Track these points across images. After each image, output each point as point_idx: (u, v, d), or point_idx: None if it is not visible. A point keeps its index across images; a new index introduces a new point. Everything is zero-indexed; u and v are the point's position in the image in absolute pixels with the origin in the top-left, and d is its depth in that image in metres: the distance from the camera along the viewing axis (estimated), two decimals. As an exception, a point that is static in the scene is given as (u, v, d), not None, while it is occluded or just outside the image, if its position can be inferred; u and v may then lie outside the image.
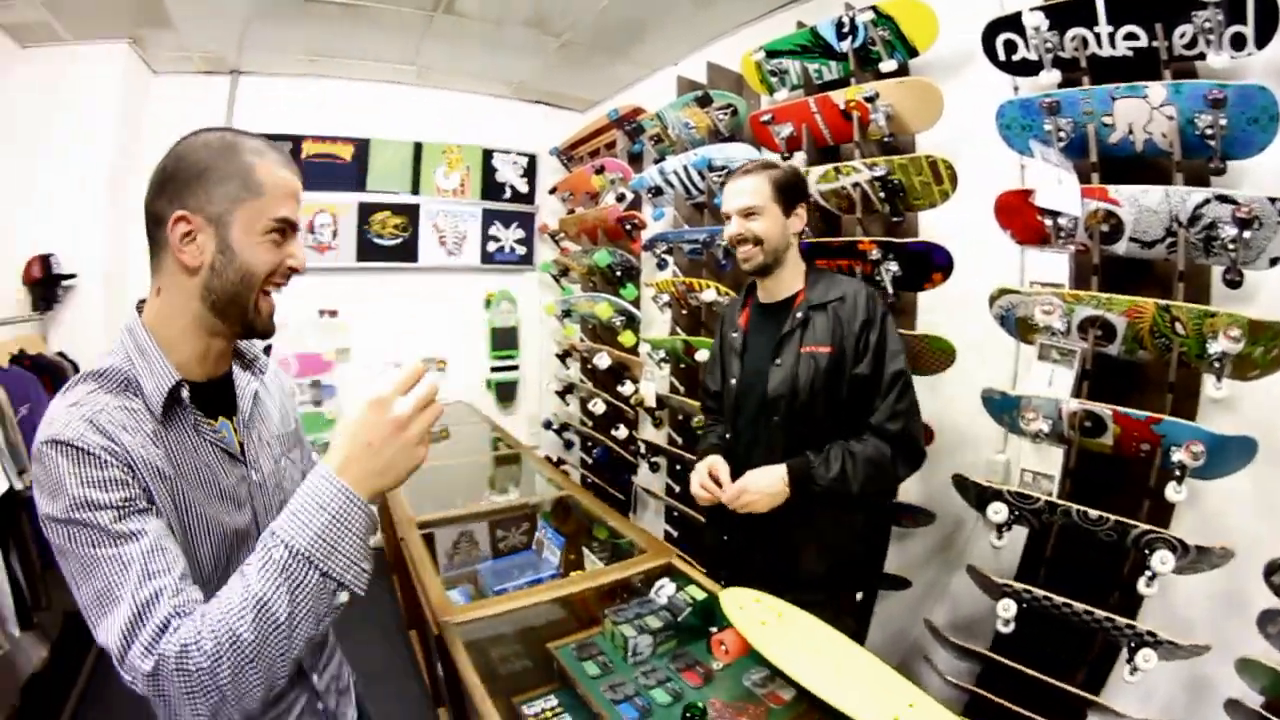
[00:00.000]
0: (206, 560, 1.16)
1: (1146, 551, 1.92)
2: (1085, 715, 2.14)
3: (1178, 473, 1.89)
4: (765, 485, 2.06)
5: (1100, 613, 2.00)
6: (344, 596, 1.04)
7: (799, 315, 2.15)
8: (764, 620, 1.82)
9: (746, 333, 2.31)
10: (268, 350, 1.50)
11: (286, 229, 1.19)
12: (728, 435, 2.29)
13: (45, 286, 3.77)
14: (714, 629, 1.93)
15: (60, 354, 3.72)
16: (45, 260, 3.73)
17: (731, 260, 3.48)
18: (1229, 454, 1.86)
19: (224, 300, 1.16)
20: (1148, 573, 1.91)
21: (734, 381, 2.29)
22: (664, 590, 2.07)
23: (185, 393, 1.16)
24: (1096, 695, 2.10)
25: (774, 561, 2.15)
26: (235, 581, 1.00)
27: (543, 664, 1.90)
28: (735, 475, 2.14)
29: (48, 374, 3.38)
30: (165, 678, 0.93)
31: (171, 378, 1.14)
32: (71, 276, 3.84)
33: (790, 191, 2.18)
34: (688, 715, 1.48)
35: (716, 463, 2.17)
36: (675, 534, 4.13)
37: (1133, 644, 1.96)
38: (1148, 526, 1.93)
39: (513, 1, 3.72)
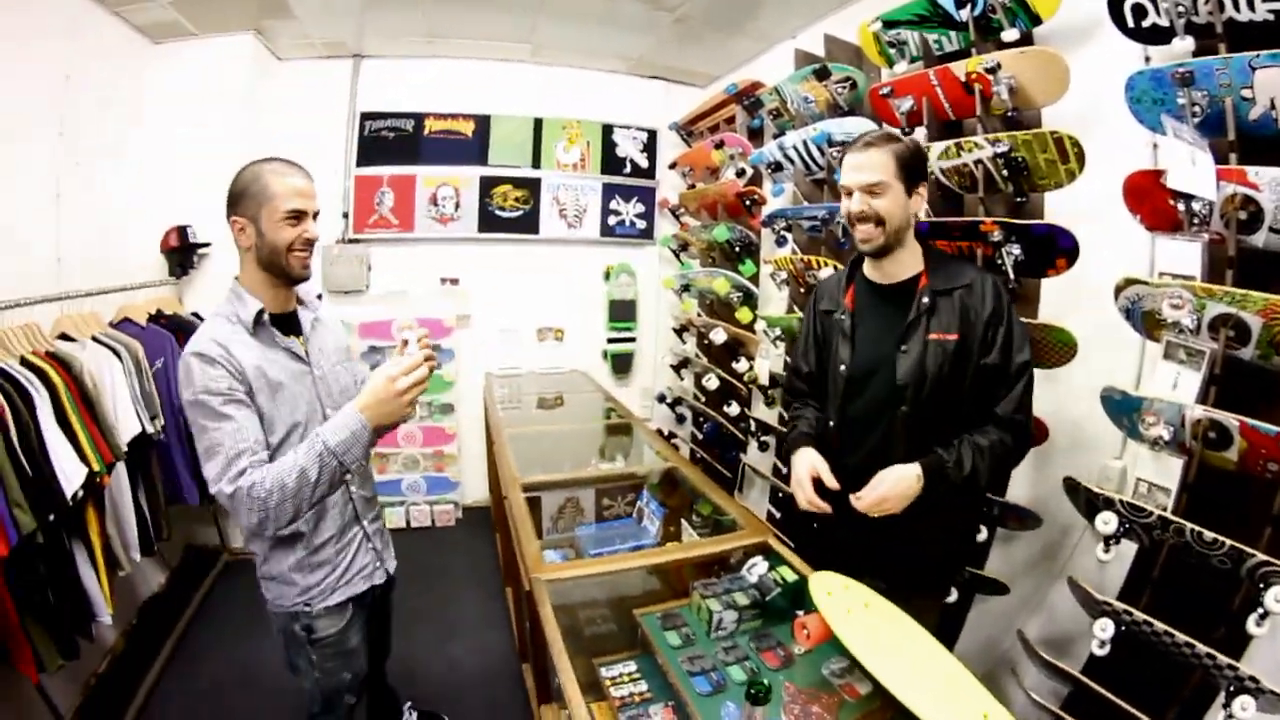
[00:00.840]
0: (286, 413, 1.89)
1: (1261, 586, 1.74)
2: None
3: None
4: (903, 489, 1.95)
5: (1202, 648, 1.82)
6: (349, 477, 1.84)
7: (925, 300, 2.06)
8: (850, 608, 1.80)
9: (854, 314, 2.20)
10: (319, 297, 2.01)
11: (298, 216, 1.88)
12: (831, 423, 2.20)
13: (182, 254, 4.17)
14: (799, 612, 1.94)
15: (194, 314, 4.15)
16: (182, 231, 4.12)
17: (850, 239, 3.39)
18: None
19: (268, 263, 1.90)
20: (1260, 610, 1.73)
21: (844, 367, 2.18)
22: (755, 569, 2.09)
23: (266, 316, 1.92)
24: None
25: (869, 552, 2.09)
26: (290, 454, 1.71)
27: (627, 629, 1.98)
28: (839, 466, 2.07)
29: (182, 331, 3.70)
30: (238, 499, 1.68)
31: (255, 308, 1.89)
32: (206, 245, 4.22)
33: (914, 169, 2.06)
34: (753, 691, 1.47)
35: (818, 464, 2.09)
36: (778, 515, 4.10)
37: (1231, 687, 1.77)
38: (1266, 557, 1.74)
39: None
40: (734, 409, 4.47)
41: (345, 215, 4.92)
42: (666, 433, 5.54)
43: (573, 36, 4.66)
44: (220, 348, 1.76)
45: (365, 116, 4.93)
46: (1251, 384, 1.91)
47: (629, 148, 5.48)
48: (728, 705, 1.65)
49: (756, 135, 4.40)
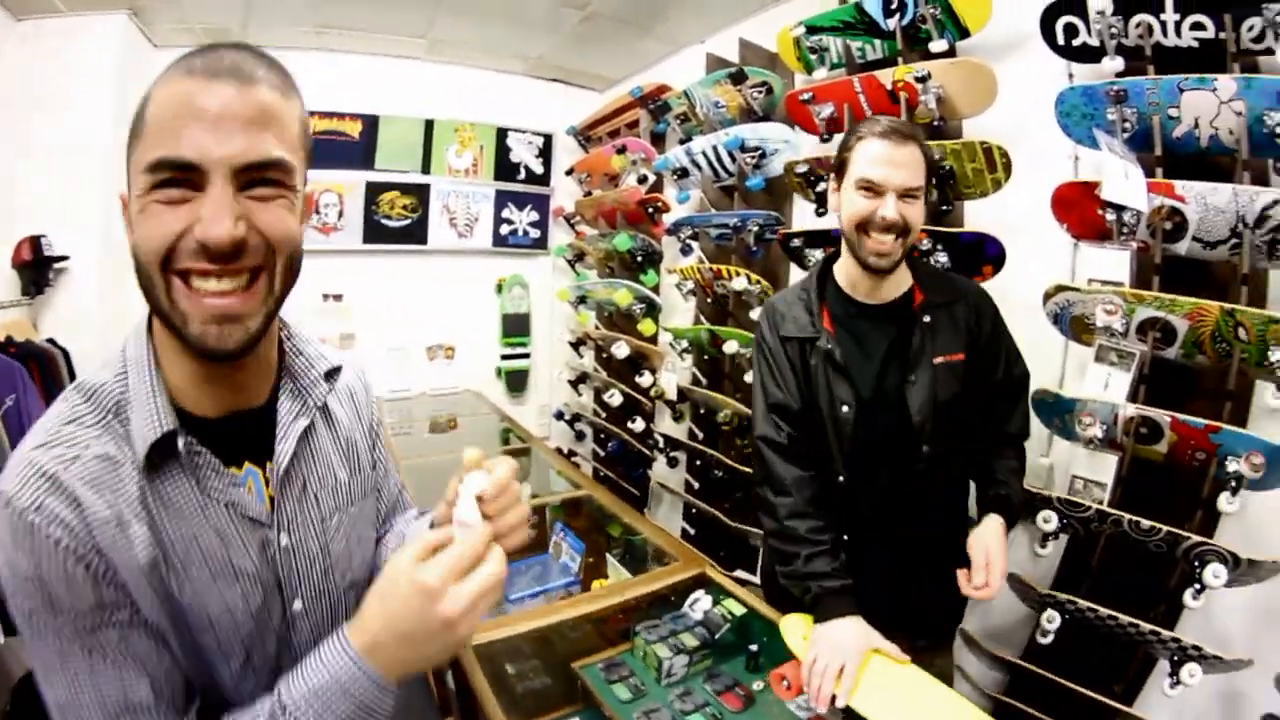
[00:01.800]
0: (215, 655, 0.96)
1: (1197, 564, 1.95)
2: None
3: (1233, 483, 1.93)
4: (1005, 547, 1.74)
5: (1146, 626, 2.03)
6: None
7: (926, 319, 1.83)
8: None
9: (837, 341, 1.87)
10: (332, 375, 1.17)
11: (178, 175, 0.81)
12: (840, 479, 1.86)
13: (35, 269, 3.73)
14: (753, 646, 1.88)
15: (50, 340, 3.65)
16: (35, 241, 3.68)
17: (764, 247, 3.51)
18: (1281, 466, 1.91)
19: (154, 306, 0.88)
20: (1195, 586, 1.94)
21: (846, 408, 1.83)
22: (699, 604, 2.01)
23: (181, 442, 0.90)
24: (1130, 707, 2.15)
25: (891, 600, 1.81)
26: None
27: (564, 682, 1.83)
28: (859, 529, 1.86)
29: (35, 361, 3.34)
30: None
31: (160, 421, 0.89)
32: (64, 259, 3.79)
33: (934, 173, 1.91)
34: None
35: (851, 658, 1.64)
36: (693, 532, 4.16)
37: (1176, 657, 1.99)
38: (1200, 539, 1.96)
39: None
40: (639, 425, 4.52)
41: None
42: (566, 451, 5.52)
43: (472, 33, 4.61)
44: (64, 503, 0.82)
45: None
46: (1176, 381, 2.15)
47: (524, 153, 5.47)
48: None
49: (659, 140, 4.50)
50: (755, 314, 3.19)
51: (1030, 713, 2.26)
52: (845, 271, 1.91)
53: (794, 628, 1.82)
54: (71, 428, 0.87)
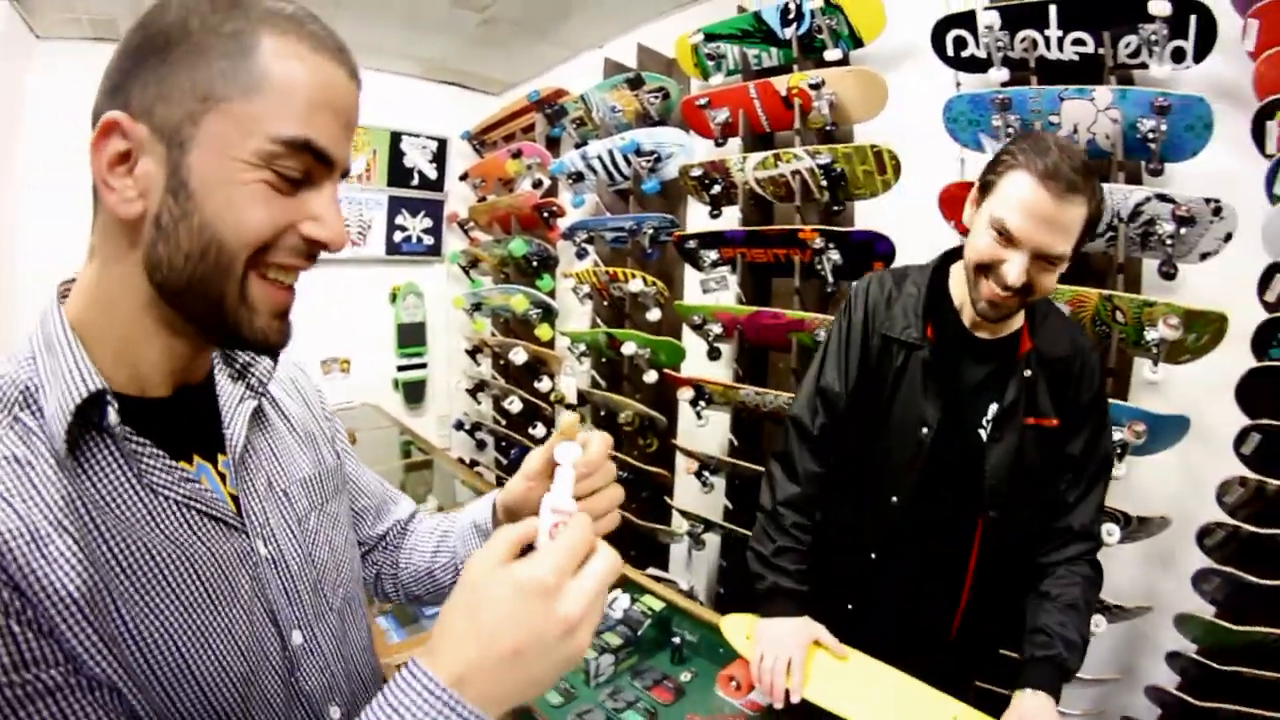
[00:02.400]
0: (177, 688, 0.71)
1: None
2: None
3: (1119, 450, 2.07)
4: None
5: None
6: None
7: (1028, 373, 1.60)
8: None
9: (937, 355, 1.67)
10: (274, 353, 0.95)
11: (311, 165, 0.72)
12: (894, 499, 1.70)
13: None
14: (675, 639, 1.94)
15: None
16: None
17: (660, 249, 3.54)
18: (1165, 431, 2.09)
19: (178, 284, 0.71)
20: None
21: (926, 429, 1.64)
22: (619, 604, 2.06)
23: (112, 413, 0.71)
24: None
25: (901, 627, 1.74)
26: None
27: None
28: (892, 554, 1.73)
29: None
30: None
31: (83, 383, 0.69)
32: None
33: (1092, 229, 1.49)
34: None
35: (797, 657, 1.62)
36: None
37: None
38: None
39: None
40: (540, 430, 4.48)
41: None
42: (469, 461, 5.42)
43: (369, 35, 4.44)
44: None
45: None
46: None
47: (417, 158, 5.35)
48: None
49: (555, 145, 4.49)
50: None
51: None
52: (960, 288, 1.67)
53: (735, 627, 1.83)
54: None
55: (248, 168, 0.68)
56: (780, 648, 1.61)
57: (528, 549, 0.67)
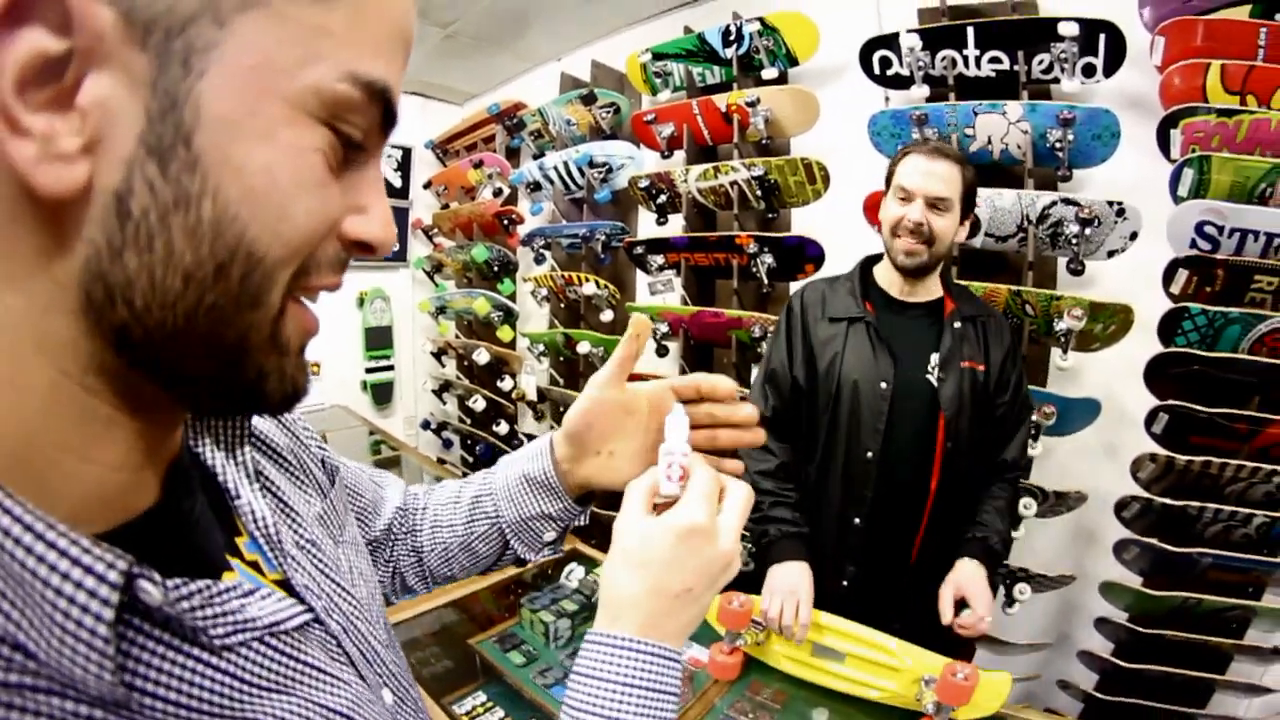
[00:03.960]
0: None
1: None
2: (975, 651, 2.39)
3: (1033, 431, 2.18)
4: (986, 591, 1.76)
5: None
6: None
7: (956, 325, 1.90)
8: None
9: (879, 323, 1.93)
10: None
11: (374, 130, 0.44)
12: (869, 454, 1.88)
13: None
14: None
15: None
16: None
17: (611, 254, 3.60)
18: (1076, 414, 2.21)
19: (165, 327, 0.38)
20: (1014, 518, 2.21)
21: (885, 384, 1.88)
22: (574, 574, 2.16)
23: (153, 589, 0.38)
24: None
25: (898, 579, 1.92)
26: None
27: (464, 661, 1.89)
28: (876, 513, 1.89)
29: None
30: None
31: (97, 570, 0.34)
32: None
33: (972, 196, 1.89)
34: None
35: (804, 595, 1.76)
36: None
37: (1008, 580, 2.27)
38: None
39: None
40: (503, 428, 4.52)
41: None
42: (437, 459, 5.42)
43: None
44: None
45: None
46: None
47: (383, 166, 5.28)
48: None
49: (514, 155, 4.51)
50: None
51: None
52: (885, 272, 1.97)
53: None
54: None
55: (297, 120, 0.39)
56: (789, 594, 1.74)
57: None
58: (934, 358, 1.87)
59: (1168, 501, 2.05)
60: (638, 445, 0.83)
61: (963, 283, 2.15)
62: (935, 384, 1.86)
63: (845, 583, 1.92)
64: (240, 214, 0.37)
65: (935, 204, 1.80)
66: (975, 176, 1.87)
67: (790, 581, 1.78)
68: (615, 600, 0.62)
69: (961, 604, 1.74)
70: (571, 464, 0.84)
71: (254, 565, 0.55)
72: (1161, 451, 2.08)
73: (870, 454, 1.88)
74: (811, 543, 1.90)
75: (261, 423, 0.68)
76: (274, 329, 0.43)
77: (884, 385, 1.86)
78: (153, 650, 0.40)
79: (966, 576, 1.77)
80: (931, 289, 1.95)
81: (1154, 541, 2.08)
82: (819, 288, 2.05)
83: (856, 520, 1.91)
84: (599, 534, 3.29)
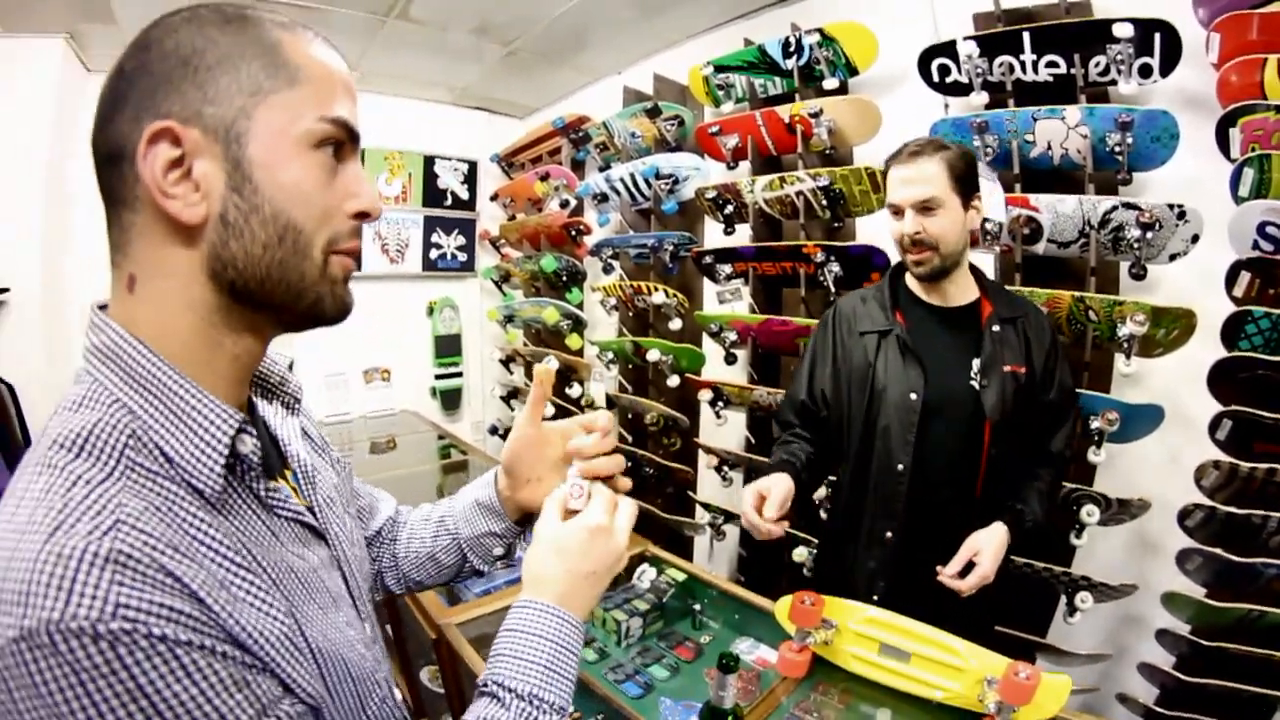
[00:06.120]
0: (346, 705, 0.80)
1: (1075, 507, 2.27)
2: (1035, 660, 2.41)
3: (1096, 438, 2.22)
4: (997, 555, 1.79)
5: (1039, 564, 2.33)
6: None
7: (996, 329, 1.91)
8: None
9: (911, 333, 1.96)
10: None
11: (343, 141, 0.77)
12: (900, 466, 1.93)
13: None
14: (696, 606, 2.09)
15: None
16: None
17: (679, 264, 3.71)
18: (1140, 420, 2.22)
19: (257, 275, 0.73)
20: (1077, 525, 2.27)
21: (915, 395, 1.91)
22: (646, 575, 2.24)
23: (252, 441, 0.76)
24: (1043, 638, 2.43)
25: (932, 595, 1.84)
26: None
27: None
28: (908, 522, 1.94)
29: None
30: None
31: (223, 419, 0.72)
32: (3, 290, 3.62)
33: (969, 178, 1.87)
34: (724, 661, 1.34)
35: (769, 486, 1.79)
36: (632, 529, 4.26)
37: (1070, 590, 2.30)
38: (1074, 485, 2.28)
39: (464, 10, 3.73)
40: (571, 433, 4.63)
41: None
42: (503, 463, 5.58)
43: (402, 65, 4.59)
44: (143, 576, 0.58)
45: None
46: None
47: (450, 179, 5.51)
48: (664, 701, 1.78)
49: (579, 167, 4.66)
50: (676, 324, 3.37)
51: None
52: (914, 279, 2.00)
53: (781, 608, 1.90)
54: (81, 492, 0.60)
55: (302, 149, 0.73)
56: (757, 485, 1.80)
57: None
58: (975, 363, 1.90)
59: (1232, 510, 2.03)
60: (558, 472, 1.11)
61: (1004, 284, 2.18)
62: (979, 389, 1.88)
63: (876, 598, 1.92)
64: (285, 207, 0.72)
65: (925, 208, 1.84)
66: (965, 156, 1.88)
67: (763, 483, 1.81)
68: (538, 577, 0.88)
69: (971, 567, 1.78)
70: (510, 491, 1.13)
71: (295, 490, 0.88)
72: (1225, 459, 2.05)
73: (901, 466, 1.92)
74: (845, 557, 2.03)
75: (299, 419, 0.99)
76: (322, 270, 0.76)
77: (913, 396, 1.90)
78: (235, 488, 0.74)
79: (985, 539, 1.80)
80: (965, 290, 1.99)
81: (1217, 551, 2.06)
82: (853, 300, 2.12)
83: (888, 534, 1.96)
84: (657, 533, 3.42)
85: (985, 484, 1.91)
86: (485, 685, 0.82)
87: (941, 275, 1.92)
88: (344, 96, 0.77)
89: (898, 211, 1.89)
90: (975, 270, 2.04)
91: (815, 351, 2.14)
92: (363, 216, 0.79)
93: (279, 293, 0.74)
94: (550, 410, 4.64)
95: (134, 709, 0.55)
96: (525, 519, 1.16)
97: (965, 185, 1.86)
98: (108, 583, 0.55)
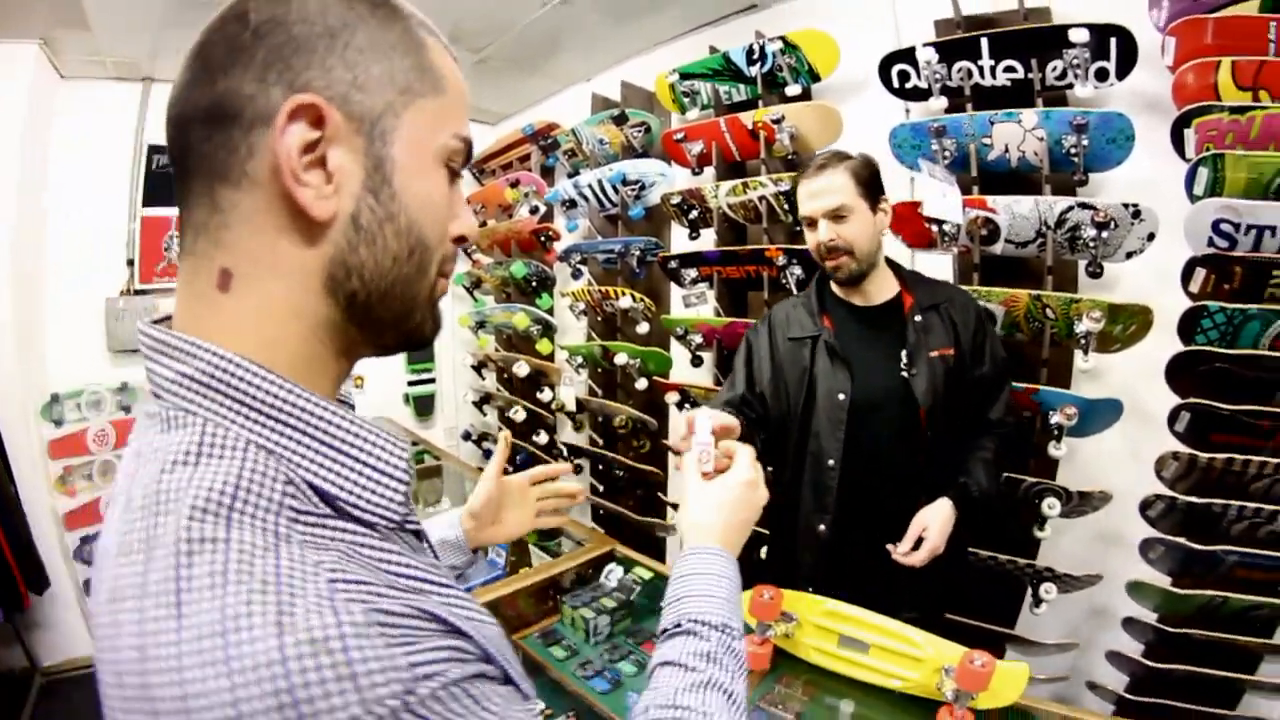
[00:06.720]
0: None
1: (1036, 501, 2.26)
2: (1005, 652, 2.42)
3: (1056, 432, 2.22)
4: (944, 527, 1.82)
5: (1003, 556, 2.34)
6: None
7: (919, 319, 1.97)
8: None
9: (838, 337, 2.01)
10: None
11: (462, 163, 0.71)
12: (830, 462, 1.96)
13: None
14: (664, 603, 2.05)
15: None
16: None
17: (646, 268, 3.66)
18: (1099, 414, 2.22)
19: (379, 289, 0.64)
20: (1039, 518, 2.26)
21: (843, 395, 1.95)
22: (613, 574, 2.21)
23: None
24: (1011, 630, 2.43)
25: (878, 579, 1.88)
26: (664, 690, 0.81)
27: None
28: (844, 514, 1.96)
29: None
30: None
31: (399, 451, 0.65)
32: None
33: (874, 183, 1.97)
34: None
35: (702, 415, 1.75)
36: (601, 531, 4.21)
37: (1034, 581, 2.30)
38: (1035, 479, 2.28)
39: (436, 17, 3.56)
40: (543, 438, 4.58)
41: (131, 263, 4.35)
42: (478, 469, 5.50)
43: None
44: (413, 614, 0.52)
45: (154, 149, 4.34)
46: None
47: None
48: (631, 695, 1.74)
49: (548, 173, 4.60)
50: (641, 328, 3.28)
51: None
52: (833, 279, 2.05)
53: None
54: (268, 564, 0.48)
55: (436, 163, 0.66)
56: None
57: None
58: (903, 355, 1.95)
59: (1192, 500, 2.05)
60: (518, 512, 1.38)
61: (916, 271, 2.19)
62: (909, 378, 1.93)
63: (812, 589, 1.90)
64: (417, 220, 0.64)
65: (836, 216, 1.91)
66: (868, 165, 1.98)
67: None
68: (704, 528, 0.98)
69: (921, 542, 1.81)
70: (475, 530, 1.29)
71: None
72: (1185, 450, 2.08)
73: (832, 461, 1.97)
74: (786, 552, 2.06)
75: None
76: (431, 292, 0.69)
77: (841, 397, 1.96)
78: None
79: (932, 514, 1.83)
80: (886, 287, 2.05)
81: (1180, 540, 2.08)
82: (785, 308, 2.17)
83: (821, 527, 1.99)
84: (629, 535, 3.38)
85: (929, 464, 1.94)
86: (679, 625, 0.88)
87: (861, 278, 1.99)
88: (467, 111, 0.72)
89: (812, 223, 1.97)
90: (894, 265, 2.10)
91: (752, 350, 2.16)
92: (461, 240, 0.71)
93: (394, 310, 0.66)
94: (522, 414, 4.60)
95: None
96: (476, 550, 1.31)
97: (871, 191, 1.95)
98: (385, 648, 0.48)
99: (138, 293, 4.35)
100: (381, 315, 0.65)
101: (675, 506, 3.45)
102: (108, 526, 0.56)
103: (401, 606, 0.51)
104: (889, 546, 1.81)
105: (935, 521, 1.81)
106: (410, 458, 0.64)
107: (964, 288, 2.29)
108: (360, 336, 0.66)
